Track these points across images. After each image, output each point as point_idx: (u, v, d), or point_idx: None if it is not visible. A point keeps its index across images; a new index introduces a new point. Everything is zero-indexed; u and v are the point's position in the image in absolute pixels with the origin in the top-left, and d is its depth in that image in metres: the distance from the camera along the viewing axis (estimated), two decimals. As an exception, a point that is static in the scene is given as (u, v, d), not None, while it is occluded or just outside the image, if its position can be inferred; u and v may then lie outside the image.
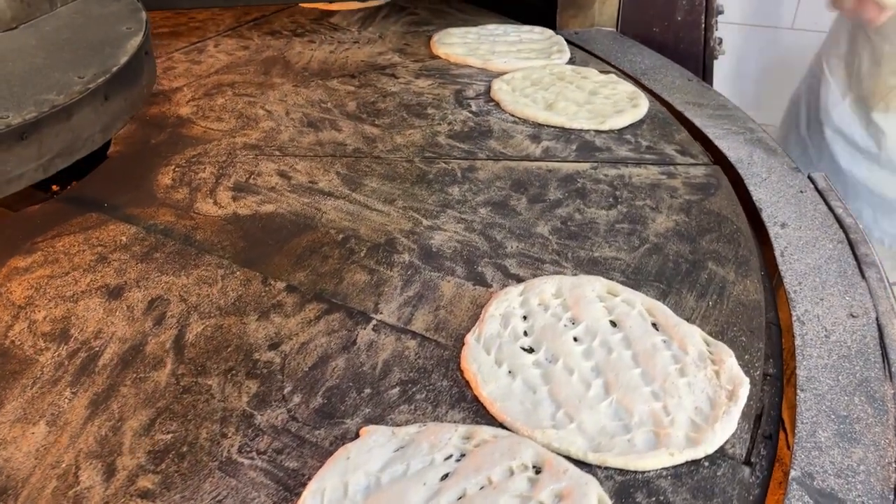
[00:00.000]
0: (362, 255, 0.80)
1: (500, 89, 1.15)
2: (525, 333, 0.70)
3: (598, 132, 1.04)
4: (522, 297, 0.74)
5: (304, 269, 0.78)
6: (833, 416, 0.58)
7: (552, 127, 1.06)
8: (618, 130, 1.05)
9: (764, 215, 0.84)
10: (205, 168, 0.95)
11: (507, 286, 0.76)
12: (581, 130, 1.05)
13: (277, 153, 0.98)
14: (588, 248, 0.81)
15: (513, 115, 1.09)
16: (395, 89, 1.16)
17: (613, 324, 0.70)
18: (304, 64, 1.25)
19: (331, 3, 1.48)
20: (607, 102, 1.11)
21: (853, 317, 0.68)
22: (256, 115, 1.08)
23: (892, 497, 0.51)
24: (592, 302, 0.72)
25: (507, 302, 0.73)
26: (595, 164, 0.97)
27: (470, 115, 1.09)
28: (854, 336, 0.66)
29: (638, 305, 0.71)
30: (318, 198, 0.89)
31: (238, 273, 0.77)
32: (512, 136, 1.04)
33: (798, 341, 0.65)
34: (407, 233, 0.84)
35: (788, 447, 0.56)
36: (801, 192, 0.87)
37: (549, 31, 1.35)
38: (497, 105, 1.12)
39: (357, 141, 1.02)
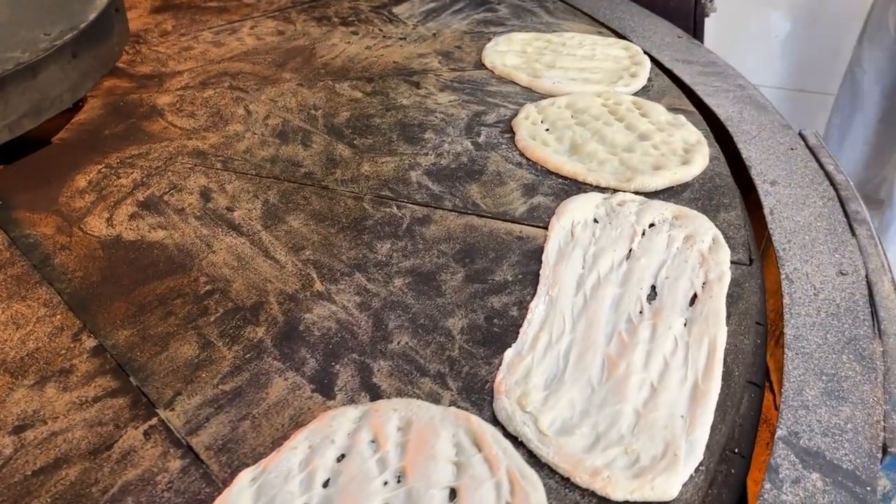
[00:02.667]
0: (212, 318, 0.64)
1: (524, 118, 0.93)
2: (325, 484, 0.51)
3: (619, 193, 0.80)
4: (356, 425, 0.55)
5: (136, 324, 0.64)
6: (821, 375, 0.57)
7: (562, 178, 0.83)
8: (647, 194, 0.80)
9: (753, 173, 0.81)
10: (130, 174, 0.83)
11: (351, 403, 0.57)
12: (597, 188, 0.81)
13: (219, 165, 0.85)
14: (498, 364, 0.60)
15: (522, 154, 0.87)
16: (407, 102, 0.97)
17: (453, 494, 0.50)
18: (327, 59, 1.10)
19: (403, -11, 1.31)
20: (653, 153, 0.86)
21: (842, 274, 0.67)
22: (232, 115, 0.95)
23: (879, 455, 0.50)
24: (440, 455, 0.52)
25: (329, 429, 0.54)
26: (583, 240, 0.74)
27: (471, 146, 0.88)
28: (843, 294, 0.65)
29: (502, 472, 0.50)
30: (219, 231, 0.75)
31: (58, 317, 0.64)
32: (503, 184, 0.82)
33: (787, 300, 0.64)
34: (285, 297, 0.67)
35: (776, 407, 0.55)
36: (792, 149, 0.85)
37: (636, 49, 1.09)
38: (512, 137, 0.90)
39: (317, 163, 0.86)
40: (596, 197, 0.79)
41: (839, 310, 0.63)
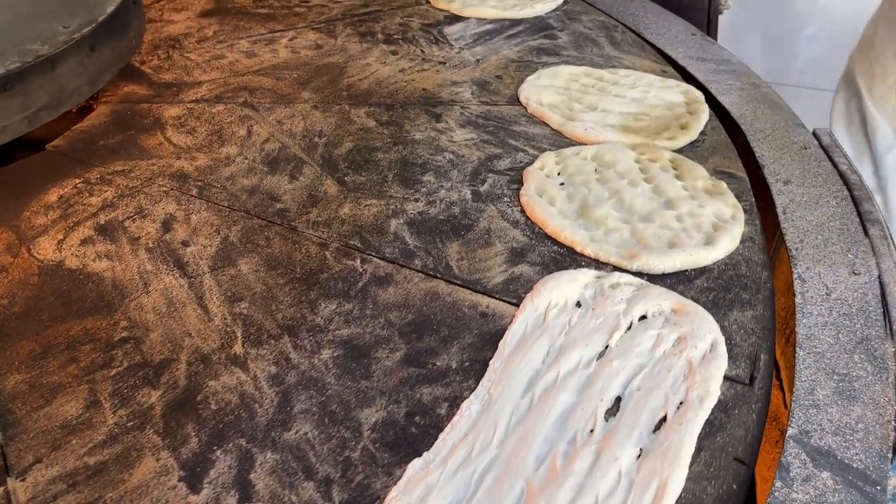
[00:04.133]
0: (112, 372, 0.59)
1: (538, 168, 0.83)
2: None
3: (617, 272, 0.69)
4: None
5: (33, 369, 0.60)
6: (832, 374, 0.57)
7: (558, 244, 0.72)
8: (652, 276, 0.69)
9: (766, 172, 0.81)
10: (104, 192, 0.80)
11: (216, 501, 0.50)
12: (595, 261, 0.71)
13: (195, 192, 0.80)
14: (399, 475, 0.51)
15: (522, 212, 0.77)
16: (419, 136, 0.89)
17: None
18: (355, 80, 1.03)
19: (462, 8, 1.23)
20: (674, 226, 0.74)
21: (855, 274, 0.67)
22: (232, 136, 0.90)
23: (890, 455, 0.51)
24: None
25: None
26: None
27: (469, 196, 0.79)
28: (855, 294, 0.65)
29: None
30: (163, 268, 0.70)
31: (-41, 349, 0.61)
32: (488, 245, 0.73)
33: (798, 299, 0.64)
34: (198, 357, 0.61)
35: (785, 406, 0.56)
36: (805, 148, 0.85)
37: (696, 96, 0.96)
38: (519, 189, 0.81)
39: (296, 199, 0.79)
40: (586, 275, 0.69)
41: (851, 310, 0.63)
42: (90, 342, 0.62)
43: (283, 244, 0.73)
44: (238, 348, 0.61)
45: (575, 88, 1.00)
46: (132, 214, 0.77)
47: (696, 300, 0.65)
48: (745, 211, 0.76)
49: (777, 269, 0.72)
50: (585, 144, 0.88)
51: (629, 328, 0.64)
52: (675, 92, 0.98)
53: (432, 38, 1.16)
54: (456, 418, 0.56)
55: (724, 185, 0.80)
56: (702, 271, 0.69)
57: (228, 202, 0.79)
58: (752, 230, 0.74)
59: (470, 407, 0.57)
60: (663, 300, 0.65)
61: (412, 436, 0.54)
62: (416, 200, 0.79)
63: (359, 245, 0.72)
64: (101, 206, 0.78)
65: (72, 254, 0.72)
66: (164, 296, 0.66)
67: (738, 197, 0.77)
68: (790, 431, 0.52)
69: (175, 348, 0.61)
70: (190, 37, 1.17)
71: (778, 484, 0.49)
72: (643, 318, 0.65)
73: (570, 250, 0.72)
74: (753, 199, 0.78)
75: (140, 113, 0.95)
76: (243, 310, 0.65)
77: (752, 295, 0.67)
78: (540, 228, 0.75)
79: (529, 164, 0.84)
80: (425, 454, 0.53)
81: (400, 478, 0.51)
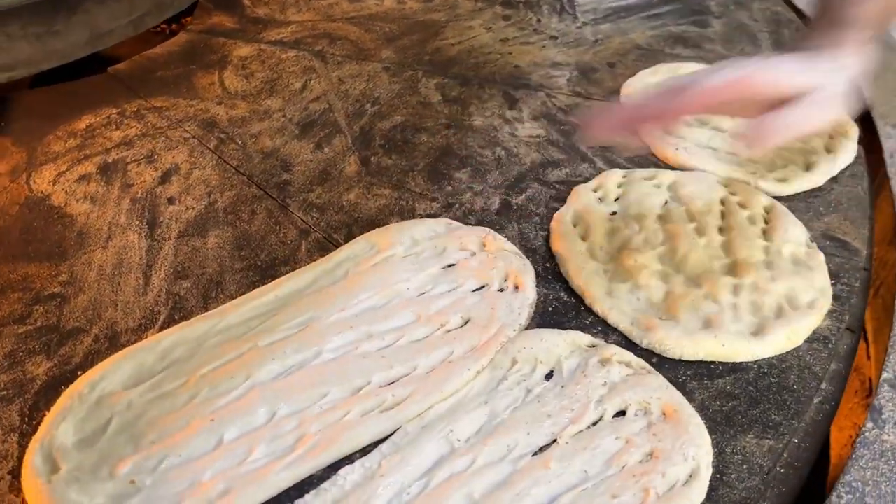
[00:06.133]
0: (21, 330, 0.57)
1: (590, 189, 0.70)
2: None
3: (617, 346, 0.56)
4: None
5: (-44, 308, 0.58)
6: None
7: (569, 291, 0.60)
8: (663, 359, 0.55)
9: (875, 114, 0.74)
10: (130, 127, 0.78)
11: (24, 507, 0.45)
12: (602, 321, 0.58)
13: (213, 144, 0.76)
14: None
15: (547, 240, 0.65)
16: (479, 123, 0.79)
17: None
18: (446, 44, 0.93)
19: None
20: (724, 301, 0.59)
21: None
22: (284, 88, 0.85)
23: None
24: None
25: None
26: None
27: (496, 207, 0.68)
28: None
29: None
30: (135, 224, 0.67)
31: None
32: (484, 272, 0.62)
33: None
34: (108, 335, 0.57)
35: (868, 357, 0.57)
36: None
37: (848, 128, 0.76)
38: (558, 209, 0.68)
39: (307, 172, 0.72)
40: (578, 338, 0.56)
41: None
42: (21, 290, 0.60)
43: (264, 222, 0.66)
44: (152, 334, 0.56)
45: (691, 94, 0.82)
46: (141, 157, 0.74)
47: (705, 407, 0.51)
48: (837, 299, 0.58)
49: (877, 213, 0.68)
50: (673, 168, 0.72)
51: (596, 423, 0.51)
52: (822, 119, 0.78)
53: (559, 5, 1.02)
54: (326, 484, 0.47)
55: (820, 256, 0.62)
56: (734, 368, 0.54)
57: (238, 162, 0.73)
58: (833, 325, 0.56)
59: (346, 476, 0.47)
60: (657, 396, 0.51)
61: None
62: (433, 201, 0.68)
63: (341, 241, 0.64)
64: (118, 142, 0.76)
65: (63, 189, 0.70)
66: (118, 255, 0.63)
67: (835, 276, 0.60)
68: (884, 375, 0.51)
69: (93, 318, 0.57)
70: (306, -30, 1.12)
71: (869, 425, 0.48)
72: (621, 413, 0.51)
73: (580, 301, 0.59)
74: (859, 281, 0.60)
75: (212, 48, 0.92)
76: (182, 290, 0.60)
77: (786, 418, 0.50)
78: (556, 265, 0.62)
79: (589, 179, 0.70)
80: None
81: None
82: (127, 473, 0.47)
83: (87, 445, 0.48)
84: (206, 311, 0.57)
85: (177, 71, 0.87)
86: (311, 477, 0.47)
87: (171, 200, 0.68)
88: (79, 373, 0.52)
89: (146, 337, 0.55)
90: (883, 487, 0.45)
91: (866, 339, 0.60)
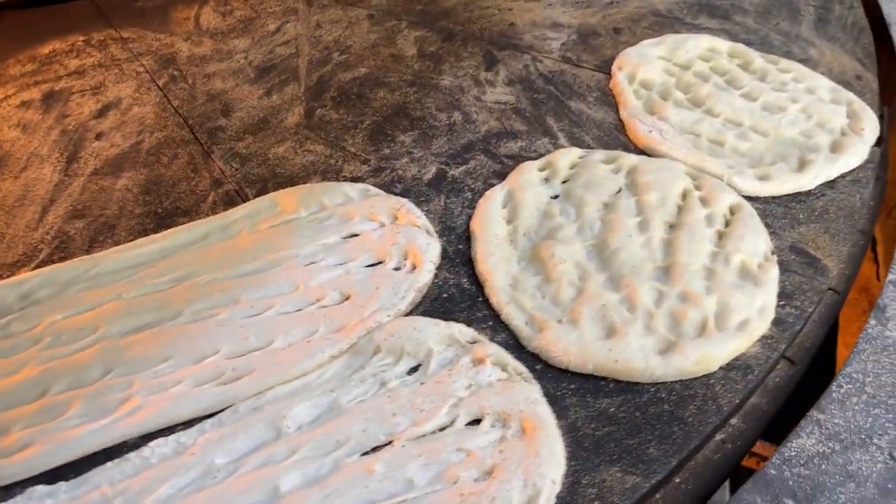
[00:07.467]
0: None
1: (528, 168, 0.63)
2: None
3: (499, 346, 0.51)
4: None
5: None
6: None
7: (471, 277, 0.55)
8: (548, 367, 0.50)
9: (893, 30, 0.73)
10: (90, 57, 0.78)
11: None
12: (495, 317, 0.53)
13: (163, 81, 0.74)
14: None
15: (469, 219, 0.60)
16: (445, 83, 0.73)
17: None
18: (450, -7, 0.87)
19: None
20: (642, 310, 0.52)
21: None
22: (258, 29, 0.82)
23: None
24: None
25: None
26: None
27: (429, 177, 0.63)
28: None
29: None
30: (55, 157, 0.66)
31: None
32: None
33: None
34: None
35: (878, 277, 0.59)
36: None
37: (864, 124, 0.66)
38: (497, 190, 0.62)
39: (245, 119, 0.69)
40: (459, 332, 0.51)
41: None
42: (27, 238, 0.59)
43: (182, 168, 0.64)
44: (26, 271, 0.55)
45: (695, 71, 0.74)
46: (87, 89, 0.72)
47: (576, 428, 0.45)
48: (780, 323, 0.50)
49: (892, 140, 0.67)
50: (643, 153, 0.65)
51: (444, 428, 0.46)
52: (841, 114, 0.68)
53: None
54: (133, 454, 0.44)
55: (775, 271, 0.54)
56: (627, 388, 0.48)
57: (180, 102, 0.71)
58: (763, 354, 0.49)
59: (156, 448, 0.45)
60: (520, 409, 0.46)
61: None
62: (364, 163, 0.64)
63: (251, 197, 0.61)
64: (72, 70, 0.75)
65: (1, 114, 0.69)
66: (26, 187, 0.62)
67: (787, 297, 0.52)
68: (890, 276, 0.52)
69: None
70: None
71: (872, 322, 0.49)
72: (475, 422, 0.46)
73: (480, 290, 0.54)
74: (818, 307, 0.52)
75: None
76: (73, 230, 0.58)
77: (665, 454, 0.44)
78: (468, 246, 0.57)
79: (543, 156, 0.64)
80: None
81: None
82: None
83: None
84: (89, 254, 0.55)
85: (157, 2, 0.85)
86: (124, 443, 0.45)
87: (99, 136, 0.67)
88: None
89: (19, 273, 0.54)
90: (883, 378, 0.46)
91: (876, 261, 0.62)
